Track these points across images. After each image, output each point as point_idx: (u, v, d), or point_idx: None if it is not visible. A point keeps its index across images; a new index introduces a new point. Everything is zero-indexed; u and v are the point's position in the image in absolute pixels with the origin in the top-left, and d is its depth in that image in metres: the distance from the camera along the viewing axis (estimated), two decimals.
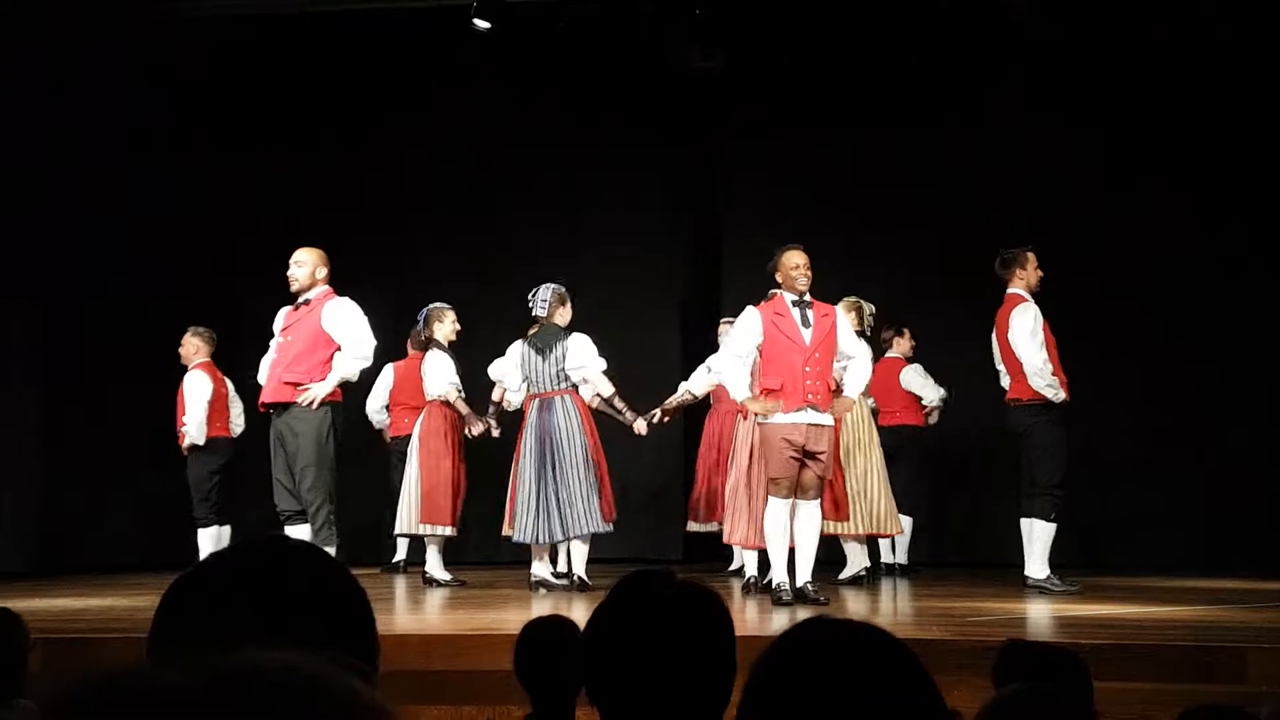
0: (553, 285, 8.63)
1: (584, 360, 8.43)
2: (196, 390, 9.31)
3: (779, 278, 7.61)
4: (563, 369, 8.40)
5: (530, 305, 8.58)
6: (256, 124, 11.19)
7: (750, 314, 7.66)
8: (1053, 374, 8.10)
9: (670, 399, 9.16)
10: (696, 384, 9.33)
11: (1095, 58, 10.46)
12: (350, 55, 11.16)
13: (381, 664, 1.35)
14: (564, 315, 8.59)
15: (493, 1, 9.91)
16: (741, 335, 7.66)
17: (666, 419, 9.08)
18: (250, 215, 11.09)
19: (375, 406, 10.25)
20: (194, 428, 9.25)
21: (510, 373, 8.69)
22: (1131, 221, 10.28)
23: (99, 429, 10.23)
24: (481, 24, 10.00)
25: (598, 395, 8.57)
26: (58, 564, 9.81)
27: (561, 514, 8.22)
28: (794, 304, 7.56)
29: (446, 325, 9.34)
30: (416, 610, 7.69)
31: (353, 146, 11.32)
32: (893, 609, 7.38)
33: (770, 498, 7.53)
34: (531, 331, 8.72)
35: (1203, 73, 10.30)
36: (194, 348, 9.44)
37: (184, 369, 9.38)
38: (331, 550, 7.23)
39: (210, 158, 11.07)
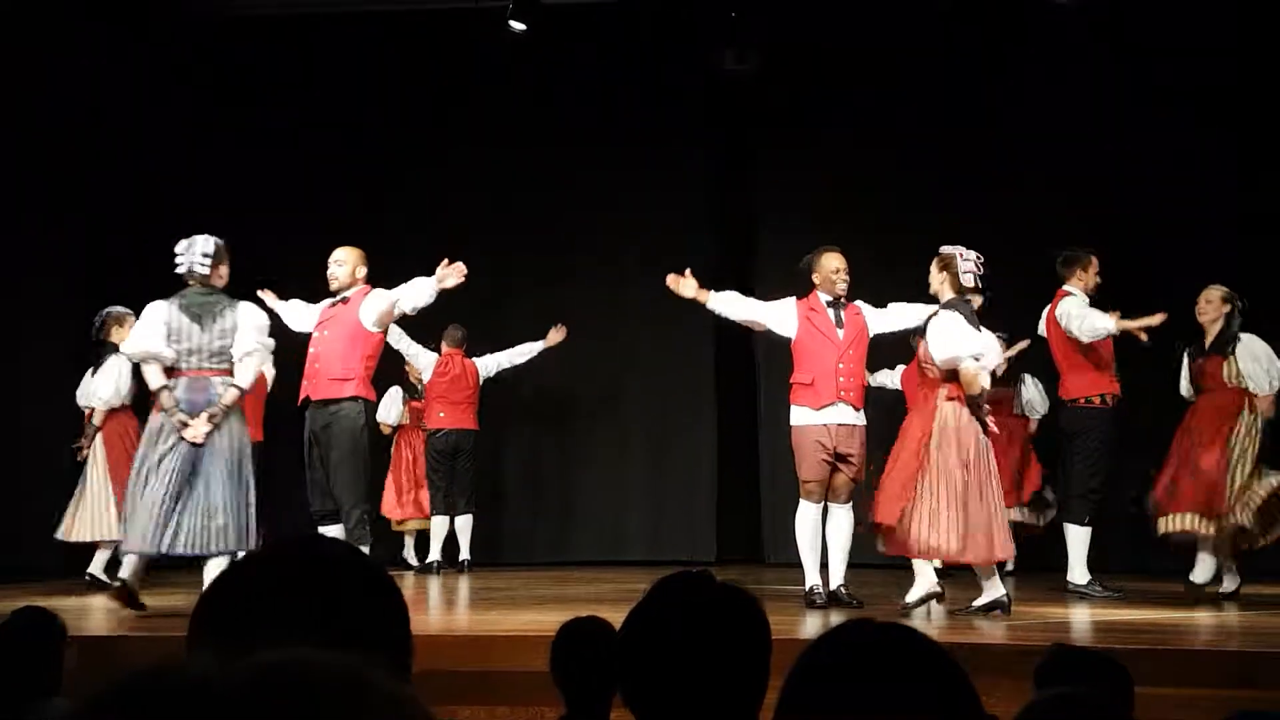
0: (211, 237, 7.19)
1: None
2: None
3: (816, 279, 7.64)
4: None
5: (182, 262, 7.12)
6: (282, 123, 11.20)
7: (789, 302, 7.71)
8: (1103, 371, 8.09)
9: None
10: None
11: (1140, 53, 10.35)
12: (380, 56, 11.18)
13: (415, 664, 1.35)
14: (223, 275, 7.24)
15: (528, 3, 9.90)
16: (772, 308, 7.72)
17: None
18: (270, 215, 11.10)
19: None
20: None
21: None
22: (1180, 221, 10.11)
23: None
24: (517, 25, 10.00)
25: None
26: (90, 562, 9.83)
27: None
28: (829, 304, 7.62)
29: (126, 329, 8.58)
30: (450, 611, 7.70)
31: (382, 146, 11.33)
32: (926, 611, 7.32)
33: (802, 501, 7.54)
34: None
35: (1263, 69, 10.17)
36: None
37: None
38: (365, 549, 7.23)
39: (234, 157, 11.08)
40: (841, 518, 7.57)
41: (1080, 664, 2.98)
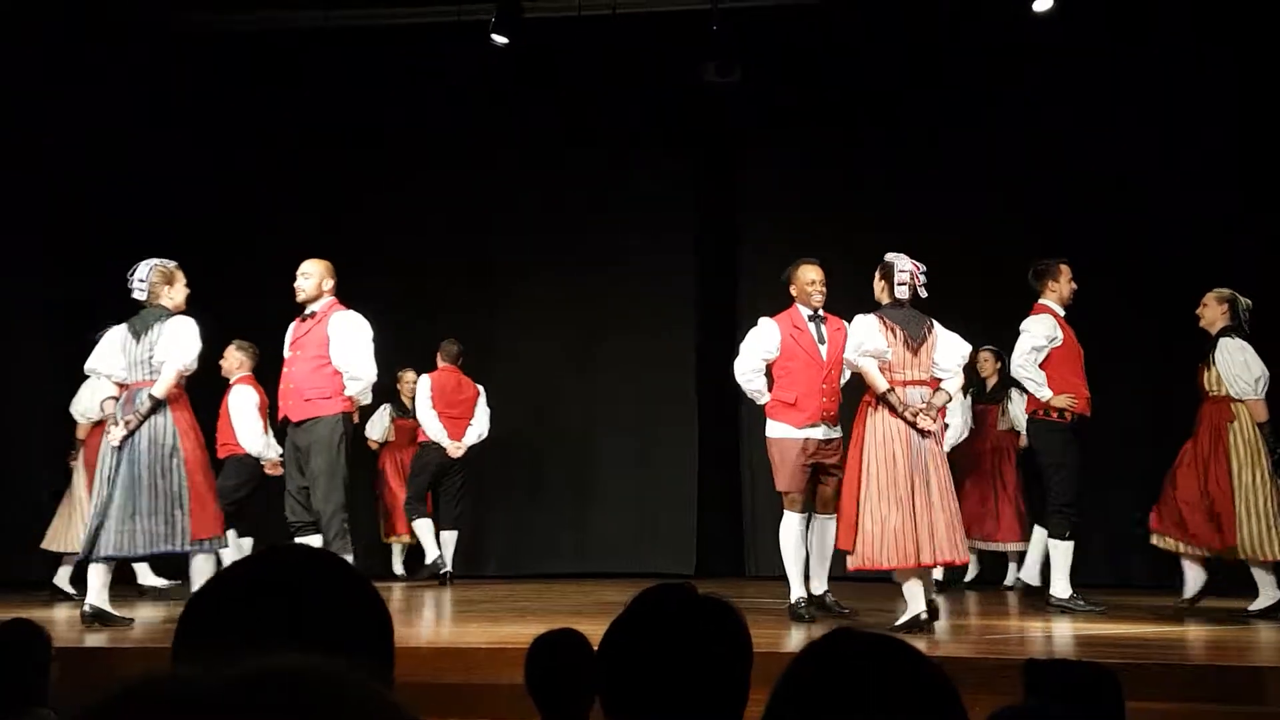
0: (155, 261, 7.50)
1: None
2: (245, 404, 9.30)
3: (794, 291, 7.68)
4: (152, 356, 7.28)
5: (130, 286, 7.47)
6: (274, 133, 11.18)
7: (767, 325, 7.70)
8: (1065, 388, 8.10)
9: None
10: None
11: (1115, 59, 10.38)
12: (366, 67, 11.16)
13: (396, 674, 1.35)
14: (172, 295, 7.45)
15: (510, 16, 9.91)
16: (757, 346, 7.68)
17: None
18: (250, 228, 11.07)
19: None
20: (254, 439, 9.23)
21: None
22: (1153, 224, 10.13)
23: None
24: (500, 39, 10.00)
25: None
26: (74, 574, 9.78)
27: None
28: (809, 318, 7.63)
29: None
30: (429, 622, 7.68)
31: (366, 155, 11.31)
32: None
33: (785, 513, 7.54)
34: None
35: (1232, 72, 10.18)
36: (237, 361, 9.42)
37: (216, 382, 9.33)
38: (349, 556, 7.28)
39: (224, 169, 11.05)
40: (829, 527, 7.58)
41: (1069, 675, 2.97)
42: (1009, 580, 9.90)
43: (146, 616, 7.78)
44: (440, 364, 10.34)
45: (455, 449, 10.22)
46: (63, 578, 9.19)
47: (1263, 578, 7.80)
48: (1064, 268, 8.29)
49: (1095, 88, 10.43)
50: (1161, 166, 10.18)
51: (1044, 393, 8.06)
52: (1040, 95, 10.48)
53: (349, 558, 7.19)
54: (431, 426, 10.19)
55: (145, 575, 9.35)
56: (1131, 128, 10.29)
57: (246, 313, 10.16)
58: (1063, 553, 8.05)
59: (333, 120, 11.27)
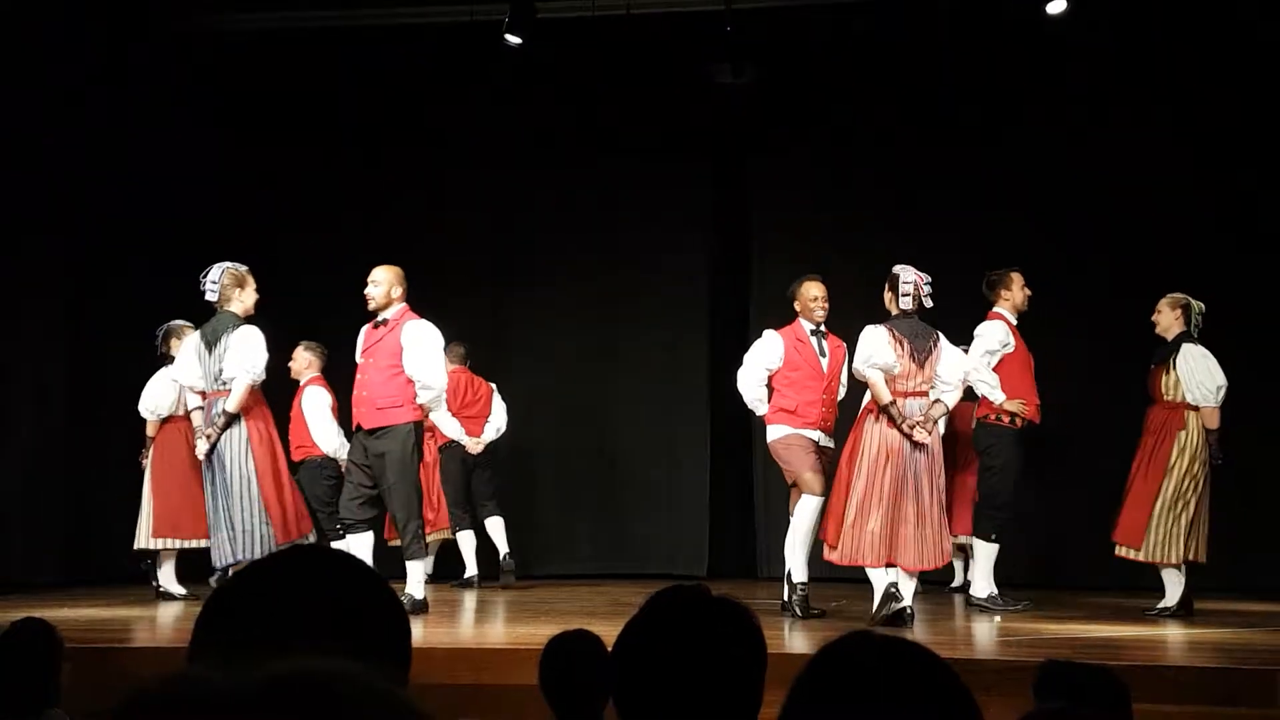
0: (227, 264, 7.72)
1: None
2: (318, 404, 9.29)
3: (797, 307, 7.93)
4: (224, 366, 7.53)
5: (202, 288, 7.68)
6: (276, 134, 11.15)
7: (771, 337, 7.93)
8: (1012, 392, 8.20)
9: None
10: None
11: (1131, 70, 10.36)
12: (373, 68, 11.11)
13: (410, 676, 1.36)
14: (242, 301, 7.70)
15: (524, 17, 9.88)
16: (761, 357, 7.90)
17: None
18: (252, 229, 11.06)
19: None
20: (329, 439, 9.22)
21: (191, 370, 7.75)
22: (1168, 230, 10.11)
23: (130, 438, 10.13)
24: (513, 40, 9.98)
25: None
26: (86, 573, 9.81)
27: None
28: (812, 333, 7.88)
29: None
30: (443, 623, 7.69)
31: (374, 157, 11.28)
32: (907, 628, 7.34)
33: (805, 497, 7.63)
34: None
35: (1240, 74, 10.16)
36: (306, 362, 9.41)
37: (285, 385, 9.30)
38: (422, 562, 7.62)
39: (224, 169, 11.01)
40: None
41: (1078, 679, 2.98)
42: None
43: (160, 617, 7.81)
44: (449, 367, 10.31)
45: (474, 445, 10.18)
46: (167, 576, 9.11)
47: (1171, 578, 7.93)
48: (1015, 275, 8.44)
49: (1102, 88, 10.41)
50: (1166, 167, 10.16)
51: (998, 395, 8.19)
52: (1060, 95, 10.46)
53: (425, 562, 7.66)
54: (449, 426, 10.10)
55: (168, 581, 9.29)
56: (1137, 128, 10.27)
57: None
58: (986, 553, 8.20)
59: (339, 121, 11.25)
